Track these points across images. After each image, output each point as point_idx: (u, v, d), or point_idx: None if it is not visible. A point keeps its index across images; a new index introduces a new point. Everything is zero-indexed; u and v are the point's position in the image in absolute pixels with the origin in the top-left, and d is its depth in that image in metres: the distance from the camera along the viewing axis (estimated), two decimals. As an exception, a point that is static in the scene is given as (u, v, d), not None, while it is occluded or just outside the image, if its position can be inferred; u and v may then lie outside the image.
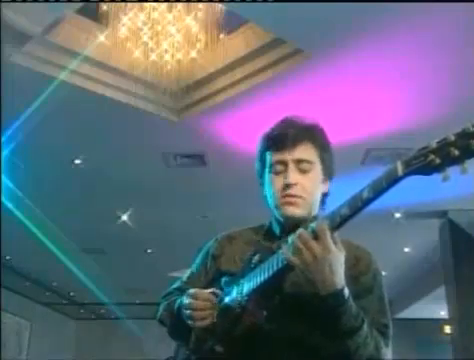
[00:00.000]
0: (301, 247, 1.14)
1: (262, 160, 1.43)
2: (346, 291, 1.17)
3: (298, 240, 1.15)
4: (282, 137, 1.38)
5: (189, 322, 1.34)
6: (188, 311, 1.34)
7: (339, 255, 1.16)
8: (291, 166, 1.36)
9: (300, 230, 1.16)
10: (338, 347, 1.20)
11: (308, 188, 1.36)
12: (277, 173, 1.38)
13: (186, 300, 1.35)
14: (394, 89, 4.02)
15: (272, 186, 1.38)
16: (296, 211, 1.35)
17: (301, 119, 1.41)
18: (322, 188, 1.41)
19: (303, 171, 1.36)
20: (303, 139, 1.38)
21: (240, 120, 4.27)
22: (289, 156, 1.36)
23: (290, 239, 1.17)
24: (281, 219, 1.39)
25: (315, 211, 1.40)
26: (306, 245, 1.14)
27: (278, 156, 1.38)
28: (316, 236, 1.14)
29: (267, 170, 1.41)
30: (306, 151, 1.37)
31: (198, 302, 1.33)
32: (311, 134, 1.39)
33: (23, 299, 9.41)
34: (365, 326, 1.20)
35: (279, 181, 1.37)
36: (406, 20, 3.31)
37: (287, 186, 1.35)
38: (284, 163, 1.37)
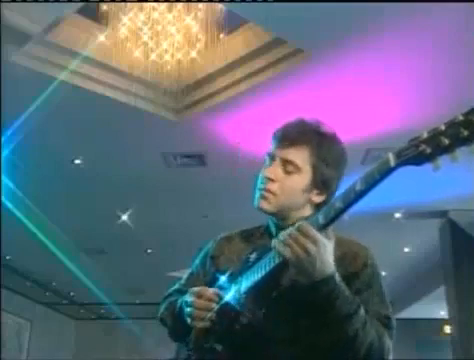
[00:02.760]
0: (292, 243, 1.14)
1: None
2: (337, 276, 1.18)
3: (289, 237, 1.15)
4: (282, 133, 1.38)
5: (188, 320, 1.33)
6: (189, 309, 1.33)
7: (328, 244, 1.16)
8: (277, 162, 1.36)
9: (289, 229, 1.17)
10: (337, 334, 1.19)
11: (285, 189, 1.35)
12: (265, 165, 1.40)
13: (189, 298, 1.34)
14: (394, 89, 4.02)
15: (259, 176, 1.40)
16: (266, 206, 1.36)
17: (315, 124, 1.38)
18: (308, 196, 1.36)
19: (288, 172, 1.35)
20: (300, 142, 1.35)
21: (240, 120, 4.27)
22: (280, 153, 1.36)
23: (281, 235, 1.18)
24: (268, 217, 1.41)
25: (291, 212, 1.38)
26: (297, 241, 1.14)
27: (272, 150, 1.39)
28: (303, 233, 1.14)
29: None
30: (297, 154, 1.34)
31: (200, 301, 1.32)
32: (312, 140, 1.35)
33: (23, 299, 9.41)
34: (362, 311, 1.20)
35: (263, 172, 1.39)
36: (406, 20, 3.31)
37: (264, 179, 1.36)
38: (273, 157, 1.38)
